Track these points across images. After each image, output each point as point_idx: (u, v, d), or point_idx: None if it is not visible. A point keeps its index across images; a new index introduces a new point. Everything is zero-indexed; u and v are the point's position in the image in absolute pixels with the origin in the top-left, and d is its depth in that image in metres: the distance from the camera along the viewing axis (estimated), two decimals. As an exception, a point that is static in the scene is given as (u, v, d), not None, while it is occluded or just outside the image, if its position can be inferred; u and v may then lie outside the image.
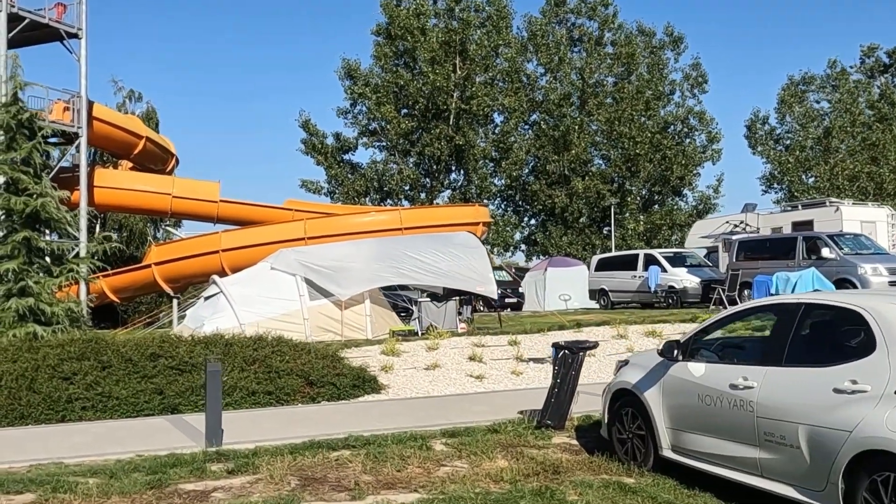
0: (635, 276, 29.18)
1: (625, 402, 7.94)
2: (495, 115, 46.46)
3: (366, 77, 44.83)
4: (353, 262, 19.67)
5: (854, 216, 26.16)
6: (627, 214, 46.76)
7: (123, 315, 31.69)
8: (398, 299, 22.23)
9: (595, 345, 9.60)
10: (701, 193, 49.54)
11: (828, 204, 27.11)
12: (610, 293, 30.54)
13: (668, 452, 7.37)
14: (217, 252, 27.19)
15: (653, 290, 27.84)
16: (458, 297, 20.82)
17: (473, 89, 43.22)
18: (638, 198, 48.03)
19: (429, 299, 20.52)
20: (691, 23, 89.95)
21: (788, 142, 54.33)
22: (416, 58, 43.43)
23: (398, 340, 15.76)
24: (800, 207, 28.13)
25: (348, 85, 45.24)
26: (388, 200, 45.06)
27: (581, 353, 9.32)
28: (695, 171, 49.20)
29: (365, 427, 9.73)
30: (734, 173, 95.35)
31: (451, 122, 43.83)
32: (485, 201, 42.26)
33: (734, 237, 26.34)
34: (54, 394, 11.16)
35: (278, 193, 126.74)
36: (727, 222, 29.26)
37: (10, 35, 26.00)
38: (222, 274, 27.03)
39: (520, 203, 49.30)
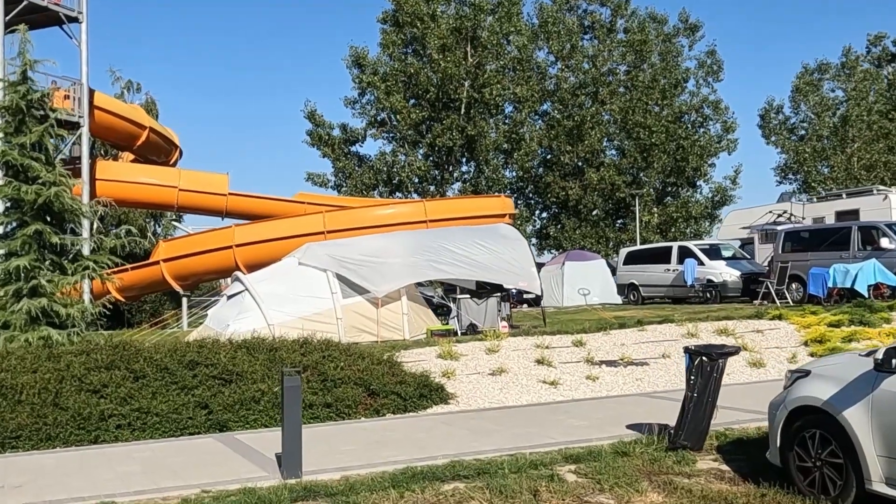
0: (669, 270, 27.76)
1: (808, 422, 6.47)
2: (506, 105, 44.92)
3: (374, 65, 43.17)
4: (387, 256, 18.15)
5: (904, 205, 24.75)
6: (642, 206, 45.32)
7: (128, 315, 30.09)
8: (431, 297, 20.81)
9: (737, 350, 8.15)
10: (717, 184, 48.17)
11: (875, 192, 25.70)
12: (640, 288, 29.12)
13: (880, 486, 5.91)
14: (230, 247, 25.62)
15: (689, 284, 26.42)
16: (498, 294, 19.34)
17: (486, 77, 41.62)
18: (652, 189, 46.57)
19: (468, 296, 19.02)
20: (701, 10, 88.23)
21: (803, 132, 53.04)
22: (426, 45, 41.79)
23: (451, 342, 14.27)
24: (844, 196, 26.72)
25: (356, 74, 43.61)
26: (398, 193, 43.46)
27: (722, 361, 7.86)
28: (710, 162, 47.82)
29: (461, 448, 8.26)
30: (745, 164, 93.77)
31: (462, 112, 42.24)
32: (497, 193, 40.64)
33: (779, 228, 24.91)
34: (84, 410, 9.65)
35: (284, 187, 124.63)
36: (770, 212, 27.80)
37: (7, 18, 24.42)
38: (236, 270, 25.63)
39: (531, 195, 47.81)
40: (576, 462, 7.49)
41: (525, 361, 13.28)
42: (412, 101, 43.22)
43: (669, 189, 48.21)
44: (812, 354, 14.49)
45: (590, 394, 11.96)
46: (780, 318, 16.73)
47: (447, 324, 18.89)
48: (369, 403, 10.82)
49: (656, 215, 46.46)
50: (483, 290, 19.54)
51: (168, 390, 10.32)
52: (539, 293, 19.90)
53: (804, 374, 6.75)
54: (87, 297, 20.86)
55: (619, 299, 30.71)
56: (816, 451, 6.39)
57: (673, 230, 46.84)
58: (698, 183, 48.61)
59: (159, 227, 41.39)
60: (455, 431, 9.28)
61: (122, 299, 27.52)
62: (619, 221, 47.55)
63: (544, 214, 48.61)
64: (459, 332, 18.00)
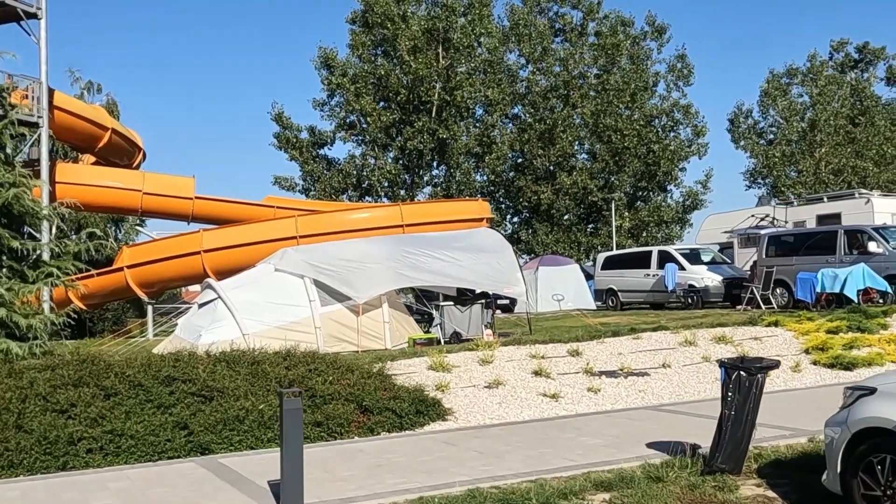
0: (649, 275, 27.25)
1: (877, 445, 5.82)
2: (478, 108, 44.22)
3: (343, 67, 42.20)
4: (367, 261, 17.33)
5: (885, 208, 24.48)
6: (614, 210, 44.88)
7: (90, 325, 28.85)
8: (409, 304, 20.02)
9: (777, 364, 7.49)
10: (689, 189, 47.81)
11: (857, 195, 25.43)
12: (619, 293, 28.58)
13: (966, 519, 5.27)
14: (198, 253, 24.56)
15: (670, 289, 25.93)
16: (482, 301, 18.64)
17: (458, 79, 40.87)
18: (623, 194, 46.07)
19: (452, 303, 18.27)
20: (671, 14, 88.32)
21: (772, 136, 53.07)
22: (397, 47, 40.94)
23: (441, 352, 13.48)
24: (825, 199, 26.43)
25: (325, 75, 42.61)
26: (367, 197, 42.51)
27: (762, 375, 7.20)
28: (680, 166, 47.49)
29: (474, 473, 7.50)
30: (713, 168, 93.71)
31: (433, 115, 41.45)
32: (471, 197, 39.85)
33: (762, 232, 24.52)
34: (50, 432, 8.74)
35: (251, 191, 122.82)
36: (752, 216, 27.43)
37: (-38, 12, 23.22)
38: (204, 277, 24.61)
39: (502, 200, 47.11)
40: (608, 490, 6.76)
41: (521, 373, 12.56)
42: (382, 104, 42.35)
43: (640, 193, 47.84)
44: (815, 363, 13.98)
45: (593, 407, 11.28)
46: (776, 324, 16.20)
47: (429, 332, 18.14)
48: (362, 421, 10.02)
49: (628, 220, 46.04)
50: (465, 296, 18.84)
51: (143, 409, 9.44)
52: (526, 299, 19.26)
53: (868, 391, 6.09)
54: (46, 305, 19.75)
55: (593, 305, 30.20)
56: (887, 479, 5.73)
57: (644, 234, 46.45)
58: (669, 187, 48.28)
59: (120, 232, 40.06)
60: (461, 453, 8.51)
61: (84, 308, 26.34)
62: (590, 226, 47.03)
63: (515, 219, 47.97)
64: (443, 341, 17.28)
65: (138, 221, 36.12)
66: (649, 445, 8.50)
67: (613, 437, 9.03)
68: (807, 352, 14.48)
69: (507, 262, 18.79)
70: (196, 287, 40.00)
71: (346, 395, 10.29)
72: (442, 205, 29.07)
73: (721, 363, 7.35)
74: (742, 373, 7.17)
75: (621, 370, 12.96)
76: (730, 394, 7.19)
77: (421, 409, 10.39)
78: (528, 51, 45.47)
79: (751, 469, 7.31)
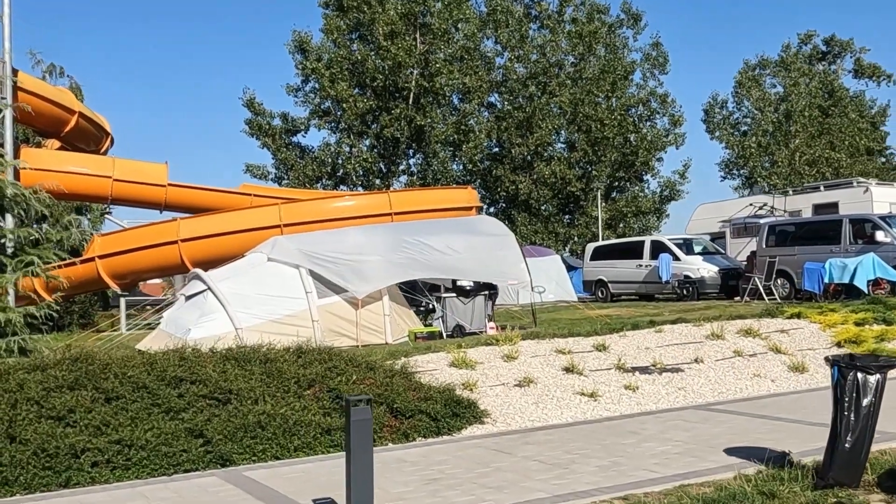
0: (641, 266, 26.54)
1: None
2: (455, 96, 43.19)
3: (318, 51, 40.91)
4: (365, 253, 16.31)
5: (884, 197, 24.01)
6: (591, 201, 44.20)
7: (57, 318, 27.33)
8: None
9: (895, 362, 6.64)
10: (666, 179, 47.25)
11: (855, 184, 24.93)
12: (610, 284, 27.85)
13: None
14: (175, 242, 23.24)
15: (664, 280, 25.24)
16: (485, 293, 17.74)
17: (437, 66, 39.79)
18: (602, 184, 45.37)
19: (454, 295, 17.32)
20: (644, 2, 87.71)
21: (745, 127, 52.83)
22: (373, 31, 39.74)
23: (461, 346, 12.51)
24: (822, 188, 25.91)
25: (300, 60, 41.27)
26: (342, 186, 41.33)
27: (882, 375, 6.35)
28: (657, 156, 46.89)
29: (548, 489, 6.56)
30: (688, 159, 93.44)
31: (410, 102, 40.35)
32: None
33: (762, 221, 23.91)
34: (49, 443, 7.64)
35: (221, 179, 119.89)
36: (751, 205, 26.83)
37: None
38: (182, 268, 23.42)
39: (479, 189, 46.11)
40: (717, 509, 5.87)
41: (551, 370, 11.65)
42: (358, 90, 41.13)
43: (617, 184, 47.22)
44: (850, 357, 13.26)
45: (636, 407, 10.41)
46: (798, 316, 15.49)
47: (430, 325, 17.18)
48: (395, 425, 9.03)
49: (605, 210, 45.40)
50: (462, 286, 17.92)
51: (150, 415, 8.37)
52: (531, 290, 18.38)
53: None
54: (11, 298, 18.42)
55: (575, 296, 29.39)
56: None
57: (622, 225, 45.87)
58: (646, 177, 47.73)
59: (87, 221, 38.42)
60: (521, 463, 7.57)
61: (51, 300, 24.89)
62: (566, 217, 46.29)
63: (493, 209, 47.05)
64: (445, 335, 16.34)
65: (106, 210, 34.56)
66: (729, 452, 7.64)
67: (681, 443, 8.15)
68: (839, 345, 13.79)
69: (510, 252, 17.91)
70: (156, 280, 38.57)
71: (375, 396, 9.30)
72: (431, 192, 28.01)
73: (833, 362, 6.48)
74: (859, 373, 6.32)
75: (654, 366, 12.12)
76: (846, 397, 6.33)
77: (457, 412, 9.42)
78: (506, 38, 44.51)
79: (868, 482, 6.46)
